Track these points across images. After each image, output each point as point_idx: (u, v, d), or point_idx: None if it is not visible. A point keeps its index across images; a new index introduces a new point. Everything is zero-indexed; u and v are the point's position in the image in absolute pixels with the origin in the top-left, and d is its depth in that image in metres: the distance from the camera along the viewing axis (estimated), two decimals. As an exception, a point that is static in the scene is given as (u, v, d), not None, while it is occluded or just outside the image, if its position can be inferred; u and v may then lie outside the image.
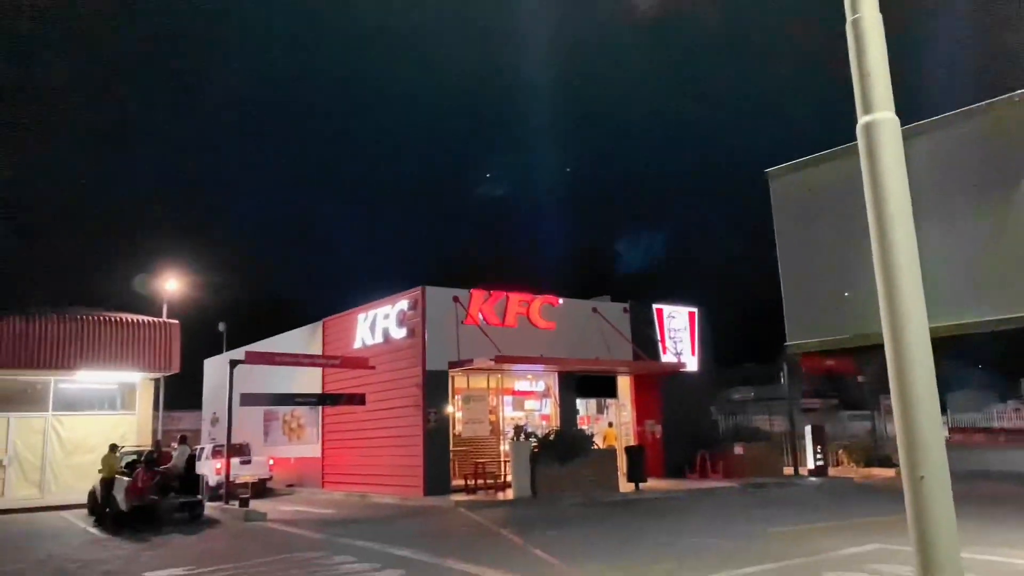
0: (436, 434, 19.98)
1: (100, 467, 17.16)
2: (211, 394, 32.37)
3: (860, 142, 2.54)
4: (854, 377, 29.44)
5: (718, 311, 28.60)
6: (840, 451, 26.32)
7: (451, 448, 20.43)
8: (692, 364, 25.59)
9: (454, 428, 20.70)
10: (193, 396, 34.74)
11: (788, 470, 24.46)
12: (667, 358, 24.80)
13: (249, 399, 19.33)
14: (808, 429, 24.22)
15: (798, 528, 12.37)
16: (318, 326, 25.77)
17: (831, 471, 24.17)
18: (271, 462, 24.73)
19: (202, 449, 24.25)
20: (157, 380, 25.67)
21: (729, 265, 53.58)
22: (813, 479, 22.90)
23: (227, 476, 18.96)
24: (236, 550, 12.15)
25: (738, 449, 23.76)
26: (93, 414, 23.27)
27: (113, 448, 17.47)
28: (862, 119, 2.53)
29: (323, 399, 22.56)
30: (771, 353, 28.17)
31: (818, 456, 23.70)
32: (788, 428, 26.23)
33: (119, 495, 15.98)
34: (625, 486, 19.99)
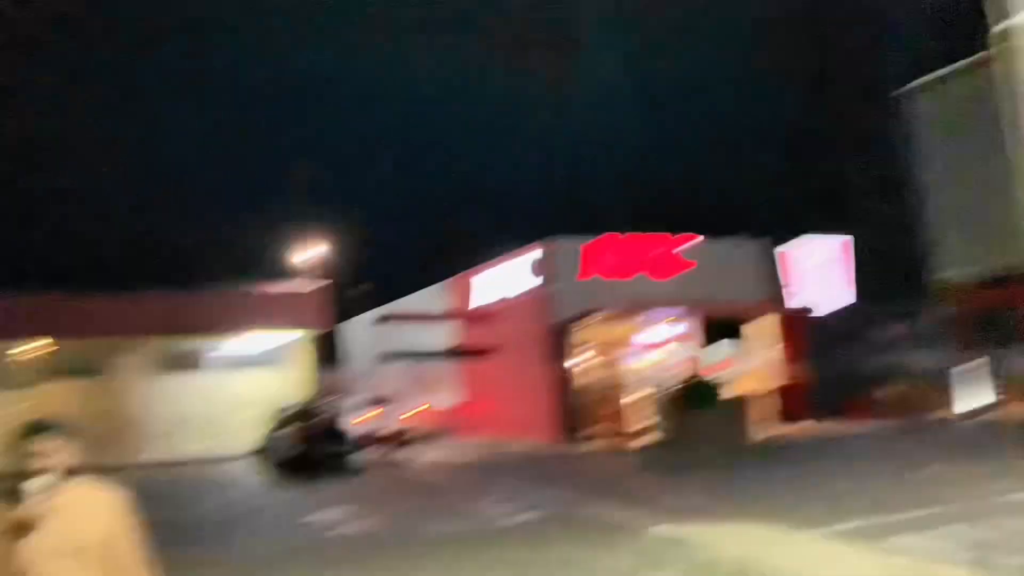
0: (566, 384, 20.14)
1: (262, 422, 18.64)
2: (357, 351, 34.21)
3: (995, 49, 2.22)
4: (1020, 309, 26.81)
5: (867, 245, 26.79)
6: (1006, 388, 24.24)
7: (581, 398, 20.54)
8: (839, 301, 24.22)
9: (584, 378, 20.77)
10: (341, 353, 36.91)
11: (946, 410, 22.88)
12: (808, 297, 23.62)
13: (391, 355, 20.30)
14: (968, 367, 22.45)
15: (959, 471, 11.52)
16: (446, 284, 26.47)
17: (996, 410, 22.37)
18: (413, 413, 25.91)
19: (351, 403, 25.76)
20: (311, 339, 27.51)
21: (876, 196, 49.85)
22: (974, 419, 21.29)
23: (376, 427, 20.09)
24: (386, 496, 12.91)
25: (891, 390, 22.44)
26: (255, 372, 25.29)
27: (275, 406, 18.92)
28: (995, 27, 2.21)
29: (457, 353, 23.32)
30: (926, 286, 26.23)
31: (982, 395, 21.97)
32: (945, 366, 24.45)
33: (280, 447, 17.33)
34: (767, 431, 19.41)
